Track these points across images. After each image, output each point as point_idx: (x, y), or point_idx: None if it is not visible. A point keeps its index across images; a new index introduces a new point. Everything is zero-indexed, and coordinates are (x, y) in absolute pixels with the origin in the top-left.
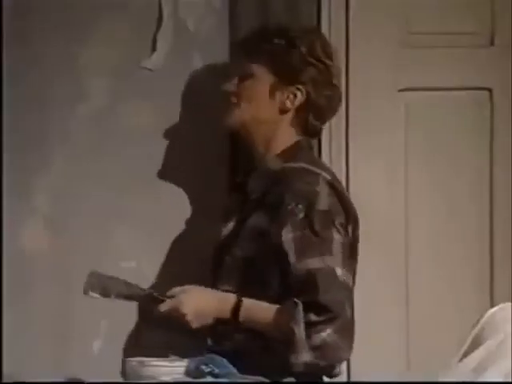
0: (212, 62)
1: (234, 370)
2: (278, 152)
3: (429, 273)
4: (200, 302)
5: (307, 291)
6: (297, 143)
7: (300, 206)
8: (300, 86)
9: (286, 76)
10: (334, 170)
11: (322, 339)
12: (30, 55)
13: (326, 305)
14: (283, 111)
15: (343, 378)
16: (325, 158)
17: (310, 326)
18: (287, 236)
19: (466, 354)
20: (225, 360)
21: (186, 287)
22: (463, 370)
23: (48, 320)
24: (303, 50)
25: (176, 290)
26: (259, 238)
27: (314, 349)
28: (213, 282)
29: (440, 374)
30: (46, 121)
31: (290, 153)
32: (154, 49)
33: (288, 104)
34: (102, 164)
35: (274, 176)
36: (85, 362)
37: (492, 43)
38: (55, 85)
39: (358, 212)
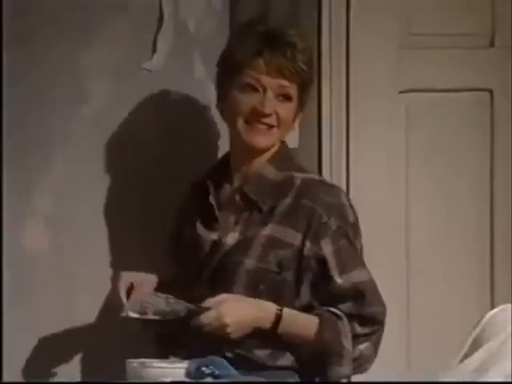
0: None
1: (235, 372)
2: (267, 158)
3: (429, 273)
4: (240, 312)
5: (354, 303)
6: (282, 148)
7: (332, 219)
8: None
9: (305, 98)
10: (334, 172)
11: (360, 352)
12: (30, 55)
13: (373, 317)
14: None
15: None
16: (325, 160)
17: (354, 338)
18: (327, 249)
19: (466, 356)
20: (225, 361)
21: (223, 296)
22: (464, 371)
23: (48, 320)
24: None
25: (212, 300)
26: (279, 248)
27: (353, 361)
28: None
29: (440, 374)
30: (46, 121)
31: (279, 159)
32: (154, 50)
33: (295, 124)
34: (103, 164)
35: (281, 186)
36: (85, 362)
37: (492, 44)
38: (56, 85)
39: (358, 213)
